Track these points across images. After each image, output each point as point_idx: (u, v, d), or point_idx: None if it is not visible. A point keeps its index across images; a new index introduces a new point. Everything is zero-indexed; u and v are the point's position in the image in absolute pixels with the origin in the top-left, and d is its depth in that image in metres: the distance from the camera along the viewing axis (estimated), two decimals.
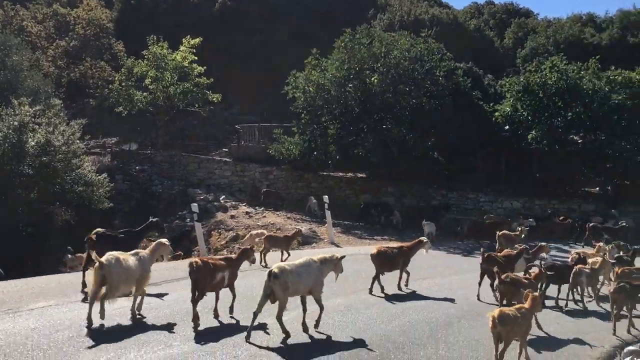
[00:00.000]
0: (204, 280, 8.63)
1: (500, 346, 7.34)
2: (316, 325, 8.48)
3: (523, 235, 16.24)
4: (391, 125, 25.62)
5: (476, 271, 11.63)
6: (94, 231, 11.43)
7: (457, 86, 27.58)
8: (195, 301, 8.49)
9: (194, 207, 17.04)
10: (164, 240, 9.92)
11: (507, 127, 27.81)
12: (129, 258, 8.80)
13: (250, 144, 31.37)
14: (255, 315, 7.98)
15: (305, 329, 8.33)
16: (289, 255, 14.30)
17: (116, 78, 33.12)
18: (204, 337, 8.01)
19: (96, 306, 8.42)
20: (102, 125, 36.45)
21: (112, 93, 32.20)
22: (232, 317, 9.11)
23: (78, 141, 22.56)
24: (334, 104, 26.67)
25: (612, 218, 23.86)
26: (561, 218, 22.85)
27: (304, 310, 8.45)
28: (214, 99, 32.21)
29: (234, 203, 26.63)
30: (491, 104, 28.09)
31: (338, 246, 19.69)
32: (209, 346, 7.61)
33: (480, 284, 11.35)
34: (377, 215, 24.74)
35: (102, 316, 8.40)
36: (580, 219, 23.11)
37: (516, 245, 13.69)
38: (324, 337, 8.32)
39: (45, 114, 22.37)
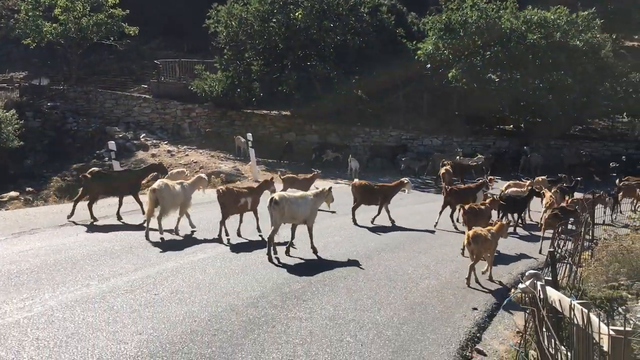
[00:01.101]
0: (230, 204, 10.28)
1: (473, 260, 8.49)
2: (314, 250, 9.55)
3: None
4: (316, 62, 25.38)
5: (404, 206, 12.28)
6: (89, 170, 11.95)
7: (381, 23, 27.51)
8: (222, 222, 10.30)
9: (111, 145, 16.45)
10: (203, 175, 11.75)
11: (428, 65, 28.18)
12: (175, 185, 10.59)
13: (171, 80, 30.27)
14: (269, 240, 9.17)
15: (287, 252, 9.44)
16: None
17: (22, 7, 30.62)
18: (125, 275, 7.88)
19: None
20: (8, 59, 34.03)
21: (18, 24, 29.84)
22: (236, 239, 9.01)
23: None
24: (257, 40, 26.04)
25: (524, 154, 25.21)
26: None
27: (292, 237, 9.61)
28: (131, 32, 30.58)
29: (155, 141, 25.86)
30: (414, 42, 28.28)
31: None
32: (128, 284, 7.50)
33: (440, 213, 12.59)
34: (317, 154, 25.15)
35: (161, 232, 10.23)
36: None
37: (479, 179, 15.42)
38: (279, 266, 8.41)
39: None
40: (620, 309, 6.38)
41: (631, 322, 6.21)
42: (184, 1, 36.49)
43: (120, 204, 12.01)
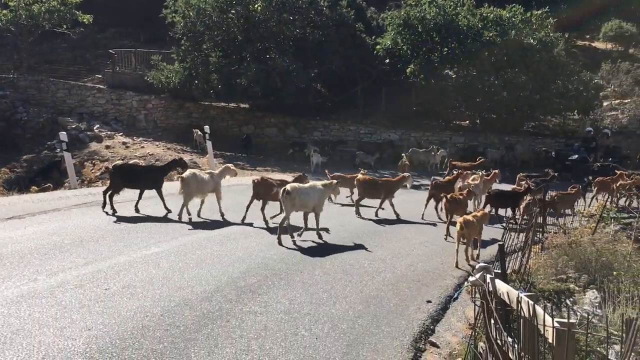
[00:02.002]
0: (263, 192, 11.33)
1: (462, 245, 9.58)
2: (319, 235, 10.47)
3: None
4: (275, 55, 25.23)
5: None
6: (114, 164, 12.44)
7: (340, 17, 27.54)
8: (262, 209, 11.48)
9: (63, 135, 15.96)
10: (231, 165, 12.84)
11: (387, 60, 28.37)
12: (203, 174, 11.88)
13: (127, 71, 29.60)
14: (281, 225, 10.04)
15: (300, 234, 10.43)
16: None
17: None
18: (75, 269, 7.67)
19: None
20: None
21: None
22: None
23: None
24: (215, 31, 25.71)
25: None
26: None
27: (306, 224, 10.63)
28: (85, 20, 29.76)
29: (109, 133, 25.29)
30: (373, 37, 28.43)
31: None
32: (78, 279, 7.30)
33: (426, 205, 13.34)
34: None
35: (189, 213, 11.47)
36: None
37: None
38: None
39: None
40: (567, 301, 6.57)
41: (578, 313, 6.40)
42: None
43: (140, 197, 12.07)
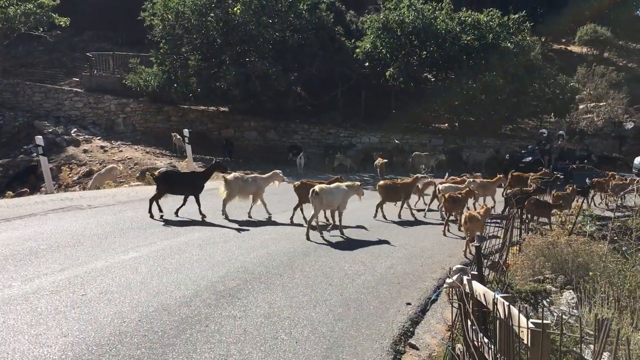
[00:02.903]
0: (303, 195, 11.95)
1: (468, 237, 10.18)
2: (341, 231, 11.39)
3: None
4: (254, 58, 25.19)
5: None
6: (158, 171, 12.84)
7: (320, 21, 27.60)
8: (296, 207, 12.35)
9: (39, 140, 15.77)
10: (278, 171, 13.36)
11: (367, 63, 28.48)
12: (247, 177, 12.79)
13: (104, 74, 29.34)
14: (308, 223, 11.14)
15: (328, 230, 11.61)
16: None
17: None
18: (51, 275, 7.56)
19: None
20: None
21: None
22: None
23: None
24: (194, 34, 25.59)
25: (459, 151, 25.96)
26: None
27: (334, 221, 11.81)
28: (61, 23, 29.44)
29: (87, 137, 25.04)
30: (353, 40, 28.51)
31: None
32: (54, 284, 7.20)
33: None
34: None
35: (223, 213, 12.32)
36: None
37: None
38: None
39: None
40: (544, 302, 6.64)
41: (554, 314, 6.48)
42: None
43: (184, 203, 12.29)
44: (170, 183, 12.24)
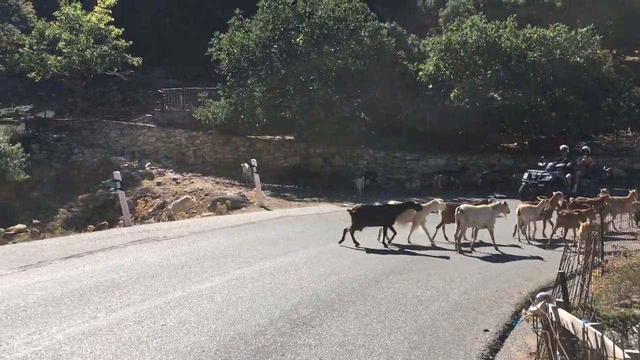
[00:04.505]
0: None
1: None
2: (496, 247, 12.32)
3: None
4: (317, 86, 25.55)
5: (404, 228, 12.47)
6: (354, 206, 13.24)
7: (381, 46, 27.72)
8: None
9: (117, 175, 16.52)
10: (439, 200, 13.72)
11: (430, 86, 28.31)
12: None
13: (175, 109, 30.53)
14: (456, 238, 12.32)
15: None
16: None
17: (26, 41, 31.09)
18: (133, 306, 7.84)
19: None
20: (14, 92, 34.43)
21: (22, 57, 30.29)
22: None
23: None
24: (259, 66, 26.28)
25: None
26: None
27: (473, 236, 12.71)
28: (134, 63, 31.00)
29: (160, 170, 26.01)
30: (415, 64, 28.45)
31: (268, 209, 19.69)
32: (136, 315, 7.45)
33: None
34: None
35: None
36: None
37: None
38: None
39: None
40: (634, 328, 6.28)
41: None
42: (185, 31, 37.01)
43: (384, 233, 12.84)
44: (366, 217, 12.93)
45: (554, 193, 14.47)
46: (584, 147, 21.67)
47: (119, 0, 30.88)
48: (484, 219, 12.21)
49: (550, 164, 20.83)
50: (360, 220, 12.76)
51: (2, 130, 24.57)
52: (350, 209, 13.11)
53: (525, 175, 21.03)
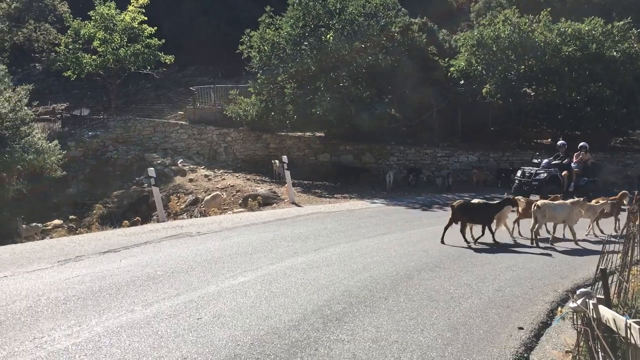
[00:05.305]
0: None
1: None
2: (576, 243, 12.72)
3: None
4: (348, 83, 25.52)
5: (433, 225, 12.17)
6: (456, 202, 13.18)
7: (412, 42, 27.54)
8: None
9: (151, 171, 16.77)
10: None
11: (462, 81, 28.03)
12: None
13: (206, 106, 30.88)
14: (532, 233, 12.68)
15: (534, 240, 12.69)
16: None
17: (62, 41, 31.81)
18: (168, 300, 7.97)
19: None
20: (50, 91, 35.31)
21: (58, 57, 31.02)
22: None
23: (26, 108, 21.83)
24: (289, 63, 26.33)
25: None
26: None
27: (553, 232, 13.26)
28: (167, 61, 31.46)
29: (192, 166, 26.34)
30: (446, 59, 28.20)
31: (299, 205, 19.76)
32: (172, 309, 7.58)
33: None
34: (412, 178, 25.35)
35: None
36: None
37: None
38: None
39: None
40: None
41: None
42: (218, 29, 37.35)
43: (483, 232, 12.86)
44: (466, 213, 12.85)
45: (620, 192, 14.70)
46: (581, 144, 19.88)
47: (152, 0, 31.34)
48: (561, 214, 12.61)
49: (546, 160, 19.49)
50: (459, 215, 12.68)
51: (40, 128, 25.17)
52: (453, 204, 12.98)
53: (519, 173, 19.81)
